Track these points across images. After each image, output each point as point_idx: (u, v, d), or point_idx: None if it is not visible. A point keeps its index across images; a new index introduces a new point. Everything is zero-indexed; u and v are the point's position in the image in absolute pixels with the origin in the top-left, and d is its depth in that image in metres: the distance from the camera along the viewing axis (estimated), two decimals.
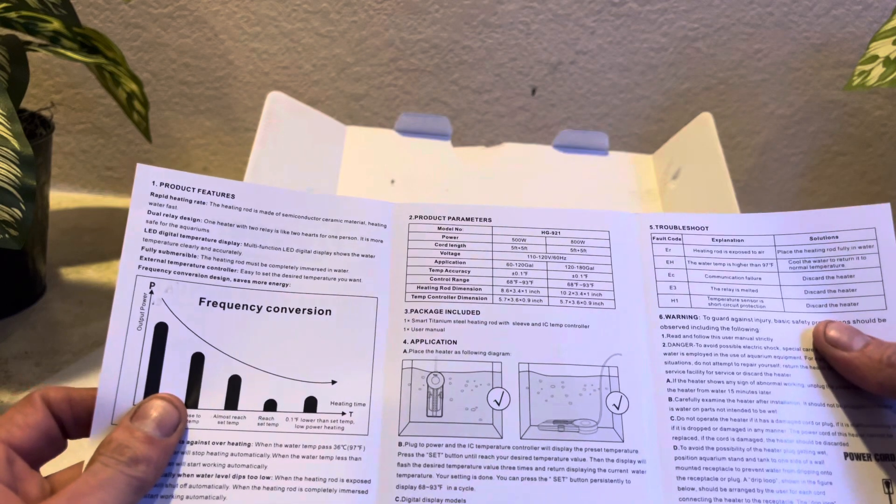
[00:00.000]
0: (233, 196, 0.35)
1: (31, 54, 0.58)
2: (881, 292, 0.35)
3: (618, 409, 0.34)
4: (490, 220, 0.37)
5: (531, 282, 0.36)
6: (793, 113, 0.80)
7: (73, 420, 0.31)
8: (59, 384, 0.57)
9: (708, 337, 0.35)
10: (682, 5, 0.75)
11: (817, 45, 0.77)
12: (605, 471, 0.32)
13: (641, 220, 0.38)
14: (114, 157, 0.84)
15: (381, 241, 0.36)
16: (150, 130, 0.71)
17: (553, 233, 0.37)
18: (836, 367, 0.34)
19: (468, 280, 0.36)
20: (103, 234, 0.79)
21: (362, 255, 0.36)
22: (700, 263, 0.37)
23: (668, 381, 0.34)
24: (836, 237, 0.36)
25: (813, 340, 0.35)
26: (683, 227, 0.37)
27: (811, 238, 0.37)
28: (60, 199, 0.84)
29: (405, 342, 0.34)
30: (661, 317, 0.36)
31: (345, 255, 0.36)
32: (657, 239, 0.37)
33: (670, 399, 0.34)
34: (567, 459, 0.32)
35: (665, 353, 0.35)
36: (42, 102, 0.80)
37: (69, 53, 0.59)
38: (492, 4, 0.75)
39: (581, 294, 0.36)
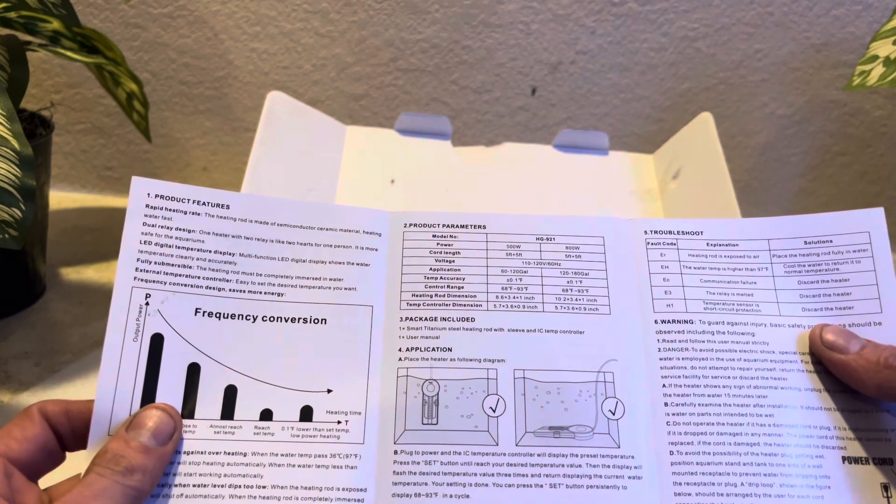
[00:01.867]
0: (227, 206, 0.35)
1: (30, 54, 0.58)
2: (876, 296, 0.35)
3: (613, 414, 0.33)
4: (484, 227, 0.37)
5: (526, 288, 0.36)
6: (793, 113, 0.80)
7: (72, 432, 0.31)
8: (58, 384, 0.57)
9: (704, 342, 0.35)
10: (682, 5, 0.75)
11: (817, 45, 0.77)
12: (601, 477, 0.32)
13: (636, 225, 0.38)
14: (114, 157, 0.84)
15: (376, 250, 0.36)
16: (149, 130, 0.71)
17: (547, 239, 0.37)
18: (832, 370, 0.34)
19: (463, 287, 0.36)
20: (103, 234, 0.79)
21: (357, 264, 0.36)
22: (695, 268, 0.37)
23: (663, 385, 0.34)
24: (831, 241, 0.36)
25: (809, 344, 0.35)
26: (678, 233, 0.37)
27: (805, 242, 0.37)
28: (60, 199, 0.84)
29: (400, 350, 0.34)
30: (656, 322, 0.35)
31: (340, 263, 0.35)
32: (651, 244, 0.37)
33: (666, 405, 0.34)
34: (563, 466, 0.32)
35: (661, 359, 0.35)
36: (42, 102, 0.80)
37: (69, 53, 0.59)
38: (492, 4, 0.75)
39: (576, 300, 0.36)
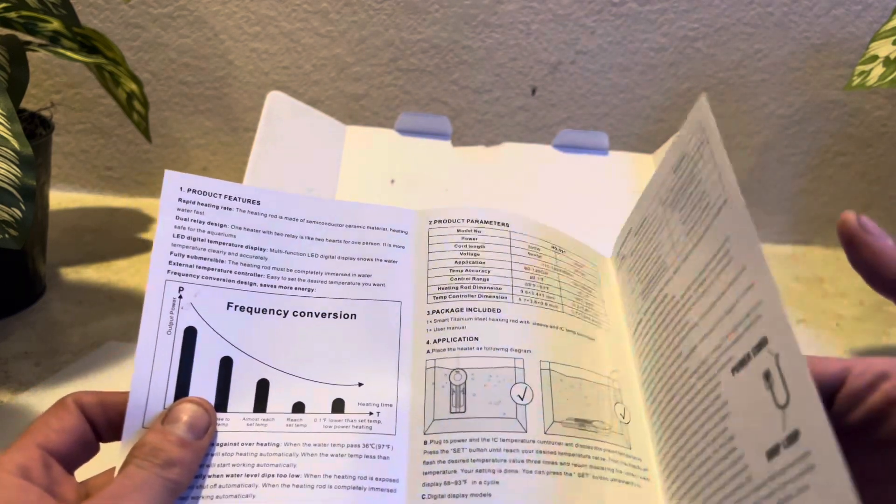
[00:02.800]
0: (258, 202, 0.35)
1: (31, 54, 0.58)
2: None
3: (623, 418, 0.34)
4: (508, 224, 0.38)
5: (547, 287, 0.36)
6: (793, 113, 0.80)
7: (107, 423, 0.31)
8: (58, 384, 0.57)
9: (654, 343, 0.34)
10: (682, 5, 0.75)
11: (817, 45, 0.77)
12: (621, 472, 0.32)
13: (616, 258, 0.39)
14: (114, 157, 0.84)
15: (403, 247, 0.37)
16: (149, 130, 0.71)
17: (561, 251, 0.38)
18: (860, 254, 0.30)
19: (488, 280, 0.36)
20: (103, 234, 0.79)
21: (385, 261, 0.36)
22: (637, 270, 0.37)
23: (645, 391, 0.34)
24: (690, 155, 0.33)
25: (843, 227, 0.31)
26: (619, 248, 0.38)
27: (674, 171, 0.33)
28: (60, 199, 0.84)
29: (428, 343, 0.35)
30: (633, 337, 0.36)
31: (368, 260, 0.36)
32: (619, 268, 0.38)
33: (652, 412, 0.34)
34: (589, 457, 0.32)
35: (640, 368, 0.35)
36: (42, 102, 0.80)
37: (69, 53, 0.59)
38: (492, 4, 0.75)
39: (586, 311, 0.36)
